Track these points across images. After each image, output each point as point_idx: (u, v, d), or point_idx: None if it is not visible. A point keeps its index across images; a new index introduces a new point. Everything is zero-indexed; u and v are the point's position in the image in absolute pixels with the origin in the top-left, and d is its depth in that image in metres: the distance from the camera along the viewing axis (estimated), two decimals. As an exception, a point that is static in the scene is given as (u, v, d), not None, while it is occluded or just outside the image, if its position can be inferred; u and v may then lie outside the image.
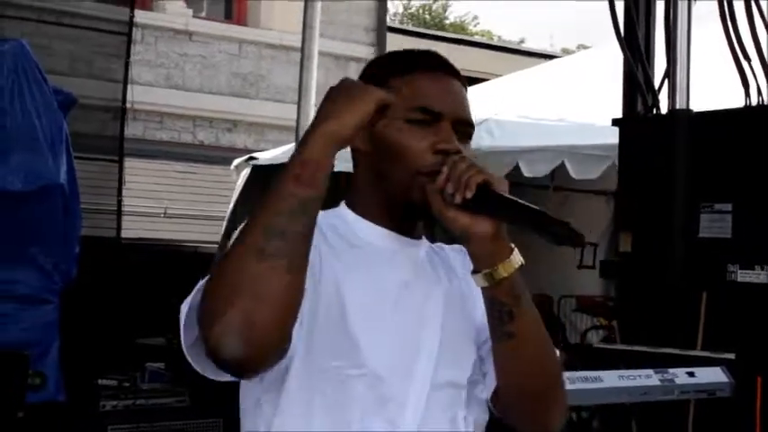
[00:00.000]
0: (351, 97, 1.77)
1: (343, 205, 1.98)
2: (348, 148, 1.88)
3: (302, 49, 7.05)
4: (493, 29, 41.07)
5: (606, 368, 5.05)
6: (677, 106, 6.42)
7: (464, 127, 1.97)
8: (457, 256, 2.01)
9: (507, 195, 1.80)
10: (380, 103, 1.79)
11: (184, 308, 1.77)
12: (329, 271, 1.80)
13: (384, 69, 1.99)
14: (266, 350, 1.64)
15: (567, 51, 24.98)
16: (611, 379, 4.86)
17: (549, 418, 1.98)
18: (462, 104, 1.99)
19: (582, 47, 29.11)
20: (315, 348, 1.77)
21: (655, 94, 6.63)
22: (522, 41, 34.47)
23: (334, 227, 1.91)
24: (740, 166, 6.14)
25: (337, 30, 14.79)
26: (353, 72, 15.42)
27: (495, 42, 28.68)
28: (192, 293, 1.74)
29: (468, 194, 1.75)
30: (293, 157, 1.73)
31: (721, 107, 6.37)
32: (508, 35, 38.96)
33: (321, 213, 1.78)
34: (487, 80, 13.72)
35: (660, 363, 5.34)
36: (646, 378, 4.95)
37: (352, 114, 1.74)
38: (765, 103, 6.14)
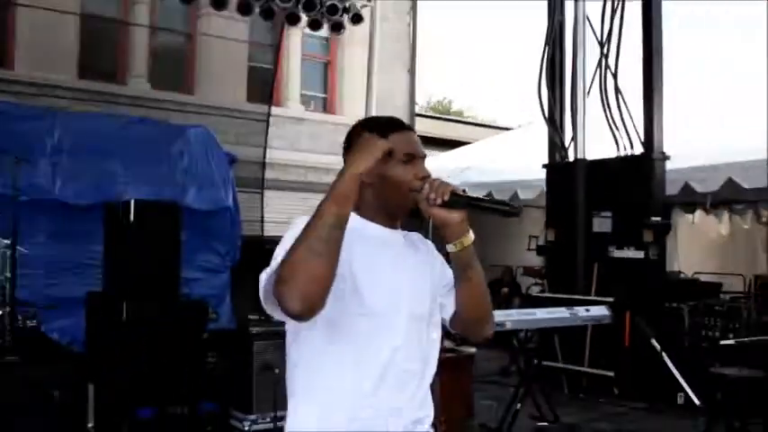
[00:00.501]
0: (367, 149, 1.71)
1: (353, 214, 1.75)
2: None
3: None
4: (477, 114, 40.68)
5: (539, 308, 5.05)
6: (579, 156, 6.43)
7: (424, 160, 1.89)
8: (419, 239, 1.94)
9: (467, 194, 1.79)
10: (386, 151, 1.75)
11: (263, 276, 1.64)
12: (346, 254, 1.71)
13: (383, 127, 1.84)
14: (312, 307, 1.59)
15: (520, 126, 24.78)
16: (542, 314, 4.86)
17: (485, 329, 1.96)
18: (421, 147, 1.91)
19: (530, 123, 28.79)
20: (335, 302, 1.66)
21: (566, 150, 6.64)
22: (494, 120, 34.17)
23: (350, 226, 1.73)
24: (616, 190, 6.14)
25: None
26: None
27: (478, 121, 28.49)
28: (268, 270, 1.62)
29: (445, 198, 1.75)
30: (332, 188, 1.65)
31: (604, 156, 6.37)
32: (485, 116, 38.57)
33: None
34: (470, 144, 13.62)
35: (569, 304, 5.32)
36: (561, 313, 4.95)
37: (367, 161, 1.69)
38: (628, 153, 6.14)
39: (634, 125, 6.16)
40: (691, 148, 7.31)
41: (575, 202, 6.34)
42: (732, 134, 7.72)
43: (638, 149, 6.10)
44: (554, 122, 6.72)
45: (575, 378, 6.14)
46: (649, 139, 6.07)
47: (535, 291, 8.51)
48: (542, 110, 6.80)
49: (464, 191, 1.80)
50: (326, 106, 15.37)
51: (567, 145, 6.67)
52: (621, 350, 5.50)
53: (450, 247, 1.79)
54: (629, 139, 6.19)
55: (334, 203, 1.61)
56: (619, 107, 6.23)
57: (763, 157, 6.55)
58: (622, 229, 6.01)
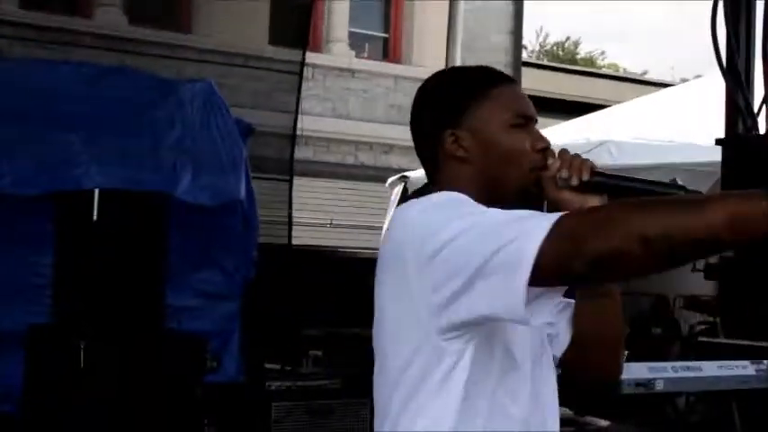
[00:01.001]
0: None
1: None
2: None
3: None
4: (619, 62, 40.27)
5: (708, 359, 4.97)
6: (774, 127, 6.29)
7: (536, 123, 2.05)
8: None
9: (614, 173, 1.95)
10: None
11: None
12: None
13: (479, 82, 2.02)
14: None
15: (685, 81, 24.45)
16: (711, 369, 4.78)
17: (617, 365, 2.00)
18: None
19: (698, 77, 28.45)
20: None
21: (754, 117, 6.48)
22: (644, 73, 33.80)
23: None
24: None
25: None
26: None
27: (620, 74, 28.24)
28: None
29: (585, 176, 1.90)
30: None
31: (814, 128, 6.21)
32: (633, 68, 38.18)
33: None
34: (606, 107, 13.56)
35: (757, 355, 5.22)
36: (742, 368, 4.86)
37: None
38: None
39: None
40: None
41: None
42: None
43: None
44: (736, 75, 6.56)
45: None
46: None
47: (702, 333, 8.37)
48: (717, 55, 6.64)
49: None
50: (387, 51, 15.44)
51: (757, 109, 6.52)
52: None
53: None
54: None
55: (727, 222, 1.65)
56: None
57: None
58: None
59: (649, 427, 6.47)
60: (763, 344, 5.74)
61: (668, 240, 1.64)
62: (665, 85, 19.84)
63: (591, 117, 12.75)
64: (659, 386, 4.59)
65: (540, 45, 39.76)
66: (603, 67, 36.55)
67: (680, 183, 1.89)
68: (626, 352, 2.20)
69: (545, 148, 1.98)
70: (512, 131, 1.98)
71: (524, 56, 21.93)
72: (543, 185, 1.95)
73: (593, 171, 1.91)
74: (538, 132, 2.00)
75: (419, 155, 2.16)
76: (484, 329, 1.85)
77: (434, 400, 1.88)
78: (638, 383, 4.45)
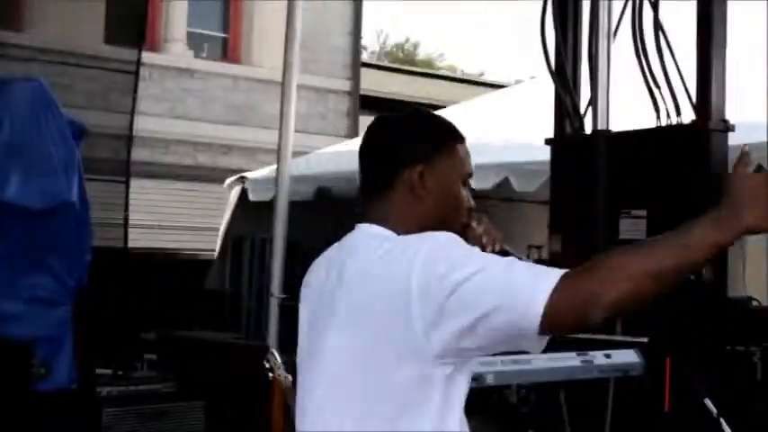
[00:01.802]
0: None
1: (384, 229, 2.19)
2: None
3: (283, 84, 7.05)
4: (457, 64, 40.95)
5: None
6: (599, 128, 6.48)
7: None
8: None
9: (511, 251, 2.38)
10: None
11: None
12: None
13: (452, 133, 2.29)
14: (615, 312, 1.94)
15: (519, 82, 25.03)
16: (540, 361, 4.89)
17: None
18: None
19: (532, 78, 29.16)
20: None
21: (581, 118, 6.68)
22: (482, 74, 34.48)
23: None
24: (653, 178, 6.20)
25: (319, 66, 14.83)
26: (332, 102, 15.38)
27: (458, 75, 28.71)
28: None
29: (497, 248, 2.33)
30: (717, 227, 1.94)
31: (637, 128, 6.43)
32: (470, 69, 38.86)
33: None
34: (443, 107, 13.74)
35: (584, 347, 5.35)
36: (569, 360, 4.98)
37: None
38: (673, 123, 6.21)
39: (683, 81, 6.23)
40: (761, 113, 7.42)
41: (592, 194, 6.38)
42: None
43: (688, 117, 6.17)
44: (564, 78, 6.76)
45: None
46: (705, 102, 6.13)
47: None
48: (547, 59, 6.83)
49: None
50: (226, 51, 15.32)
51: (582, 111, 6.72)
52: (659, 415, 5.56)
53: None
54: (675, 101, 6.25)
55: (709, 252, 1.94)
56: (660, 54, 6.28)
57: None
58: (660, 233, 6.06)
59: (480, 419, 6.60)
60: (589, 336, 5.93)
61: (669, 273, 1.94)
62: (502, 87, 20.29)
63: (428, 117, 12.94)
64: (490, 380, 4.68)
65: (379, 46, 40.17)
66: (442, 68, 37.10)
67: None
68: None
69: (471, 209, 2.30)
70: (462, 186, 2.24)
71: (364, 57, 22.06)
72: (468, 239, 2.19)
73: (502, 245, 2.37)
74: (469, 193, 2.29)
75: (371, 175, 2.28)
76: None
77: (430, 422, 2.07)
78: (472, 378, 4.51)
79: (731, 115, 6.06)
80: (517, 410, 5.23)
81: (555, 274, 1.92)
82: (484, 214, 2.31)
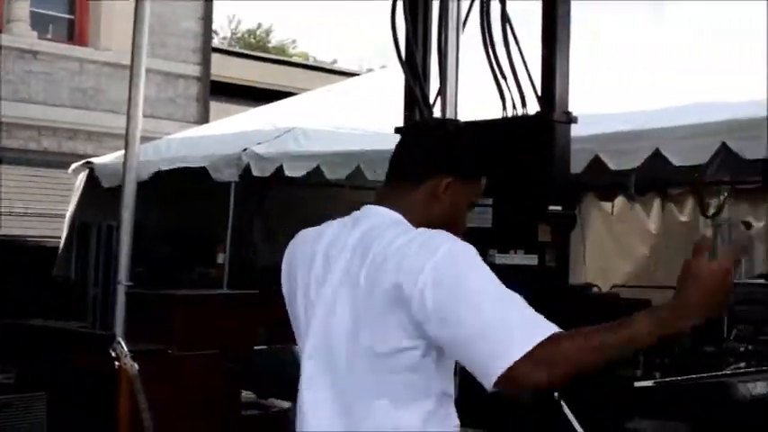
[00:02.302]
0: (723, 291, 2.26)
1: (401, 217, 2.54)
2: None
3: (131, 68, 6.92)
4: (309, 51, 40.88)
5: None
6: (448, 116, 6.58)
7: None
8: None
9: None
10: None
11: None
12: None
13: (480, 166, 2.84)
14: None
15: (370, 71, 25.14)
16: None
17: None
18: None
19: (383, 67, 29.34)
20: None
21: (429, 107, 6.76)
22: (334, 62, 34.48)
23: None
24: (499, 167, 6.32)
25: (168, 51, 14.61)
26: (181, 87, 15.16)
27: (310, 63, 28.66)
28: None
29: None
30: (667, 322, 2.27)
31: (484, 118, 6.54)
32: (322, 57, 38.84)
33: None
34: (296, 94, 13.74)
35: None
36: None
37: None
38: (519, 114, 6.34)
39: (529, 73, 6.36)
40: (604, 107, 7.68)
41: (441, 183, 6.48)
42: (663, 89, 8.22)
43: (533, 108, 6.31)
44: (413, 67, 6.82)
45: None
46: (550, 94, 6.28)
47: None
48: (397, 48, 6.88)
49: None
50: (73, 33, 14.93)
51: (432, 100, 6.80)
52: (496, 399, 5.68)
53: None
54: (521, 93, 6.37)
55: (652, 339, 2.22)
56: (507, 46, 6.40)
57: (704, 119, 6.99)
58: (508, 223, 6.19)
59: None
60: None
61: (611, 359, 2.22)
62: (353, 75, 20.35)
63: (280, 104, 12.88)
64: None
65: (231, 32, 39.73)
66: (295, 55, 36.96)
67: None
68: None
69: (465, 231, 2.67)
70: (468, 209, 2.74)
71: (215, 42, 21.84)
72: None
73: None
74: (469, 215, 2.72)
75: (409, 166, 2.66)
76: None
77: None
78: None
79: (573, 107, 6.23)
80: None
81: (519, 349, 2.18)
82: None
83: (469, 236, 6.58)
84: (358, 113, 10.19)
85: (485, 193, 6.47)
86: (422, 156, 2.66)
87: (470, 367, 2.25)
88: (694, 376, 4.53)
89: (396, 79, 8.01)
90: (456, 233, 2.53)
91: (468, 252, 2.41)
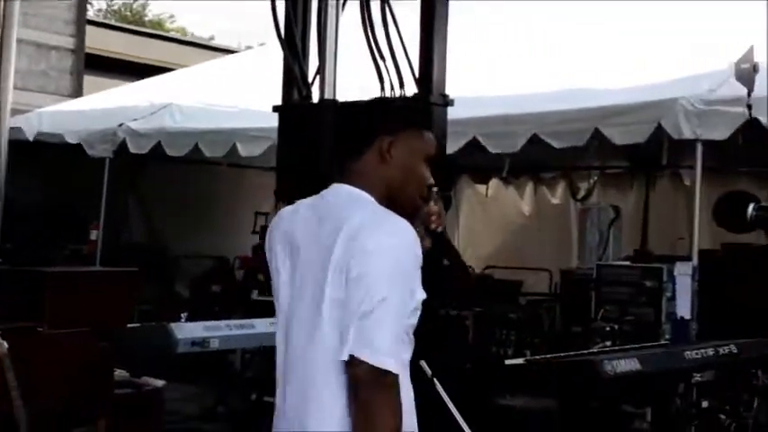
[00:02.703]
0: None
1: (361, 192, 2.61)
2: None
3: (1, 38, 6.73)
4: (187, 26, 40.34)
5: (263, 317, 5.11)
6: (326, 97, 6.59)
7: None
8: None
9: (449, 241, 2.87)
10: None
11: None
12: None
13: (423, 119, 3.09)
14: None
15: (249, 48, 24.95)
16: (263, 326, 4.95)
17: None
18: None
19: (262, 44, 29.12)
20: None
21: (308, 86, 6.76)
22: (211, 38, 34.09)
23: None
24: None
25: (40, 21, 14.25)
26: (54, 59, 14.74)
27: (187, 38, 28.30)
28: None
29: (439, 230, 2.89)
30: None
31: (363, 98, 6.58)
32: (200, 32, 38.36)
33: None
34: (173, 70, 13.56)
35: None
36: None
37: None
38: (397, 95, 6.40)
39: (407, 55, 6.41)
40: (482, 90, 7.80)
41: (318, 162, 6.48)
42: (539, 75, 8.39)
43: (411, 90, 6.37)
44: (292, 45, 6.81)
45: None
46: (427, 76, 6.34)
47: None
48: (276, 26, 6.86)
49: None
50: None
51: (311, 79, 6.80)
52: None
53: None
54: (399, 74, 6.42)
55: None
56: (386, 27, 6.44)
57: (567, 106, 7.18)
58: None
59: (206, 384, 6.63)
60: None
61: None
62: (231, 52, 20.19)
63: (156, 80, 12.71)
64: (215, 344, 4.71)
65: (107, 4, 38.92)
66: (172, 30, 36.43)
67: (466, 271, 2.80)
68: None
69: (431, 186, 2.73)
70: (423, 163, 2.69)
71: (90, 14, 21.39)
72: (418, 212, 2.74)
73: (444, 229, 2.87)
74: (429, 172, 2.72)
75: (348, 140, 2.77)
76: None
77: None
78: (194, 342, 4.53)
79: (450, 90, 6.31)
80: (242, 375, 5.29)
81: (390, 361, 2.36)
82: (440, 199, 2.80)
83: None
84: (235, 91, 10.13)
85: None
86: (357, 126, 2.77)
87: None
88: (562, 354, 4.66)
89: (275, 57, 7.99)
90: (417, 192, 2.69)
91: (405, 258, 2.47)
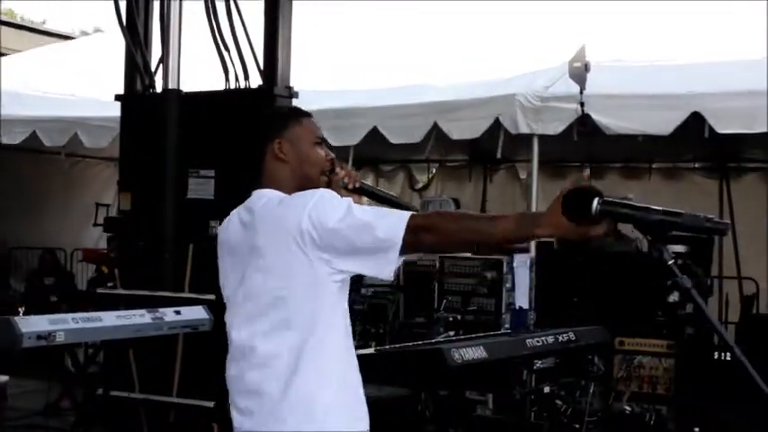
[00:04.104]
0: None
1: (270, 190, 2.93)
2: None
3: None
4: (16, 8, 39.02)
5: (107, 311, 5.03)
6: (169, 86, 6.52)
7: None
8: None
9: (372, 187, 3.17)
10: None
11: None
12: None
13: (296, 112, 3.12)
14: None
15: (85, 34, 24.33)
16: (110, 319, 4.86)
17: None
18: None
19: (98, 30, 28.42)
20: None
21: (151, 75, 6.67)
22: (44, 22, 33.07)
23: None
24: (222, 139, 6.35)
25: None
26: None
27: (17, 21, 27.37)
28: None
29: (357, 185, 3.03)
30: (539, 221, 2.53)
31: (208, 89, 6.54)
32: (31, 16, 37.17)
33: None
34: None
35: (153, 304, 5.38)
36: (140, 317, 4.97)
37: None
38: (241, 87, 6.39)
39: (252, 47, 6.40)
40: (325, 84, 7.85)
41: (162, 153, 6.41)
42: (381, 67, 8.49)
43: (256, 81, 6.37)
44: (135, 32, 6.71)
45: (159, 413, 6.26)
46: (271, 67, 6.35)
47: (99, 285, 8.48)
48: (118, 13, 6.75)
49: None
50: None
51: (154, 68, 6.72)
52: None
53: None
54: (244, 66, 6.42)
55: (509, 234, 2.60)
56: (230, 16, 6.42)
57: (407, 101, 7.31)
58: (230, 195, 6.23)
59: (49, 379, 6.48)
60: (158, 293, 6.00)
61: (472, 237, 2.68)
62: (66, 38, 19.66)
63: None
64: (60, 338, 4.59)
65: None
66: (4, 14, 35.19)
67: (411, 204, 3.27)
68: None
69: (333, 159, 3.02)
70: (314, 147, 3.00)
71: None
72: (331, 184, 2.96)
73: (361, 182, 3.06)
74: (327, 149, 3.04)
75: (252, 154, 3.06)
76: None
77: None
78: (40, 336, 4.41)
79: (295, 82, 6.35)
80: (85, 369, 5.19)
81: (404, 219, 2.62)
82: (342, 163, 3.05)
83: (191, 207, 6.57)
84: (73, 78, 9.89)
85: (207, 164, 6.51)
86: (249, 141, 3.14)
87: (373, 252, 2.65)
88: (410, 344, 4.75)
89: (114, 45, 7.85)
90: (318, 172, 2.98)
91: (329, 192, 2.78)
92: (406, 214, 2.65)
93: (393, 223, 2.62)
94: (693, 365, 7.14)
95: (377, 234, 2.61)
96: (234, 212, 3.03)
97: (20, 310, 7.52)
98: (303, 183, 2.93)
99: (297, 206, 2.72)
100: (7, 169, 11.17)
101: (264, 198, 2.90)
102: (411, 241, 2.59)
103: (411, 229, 2.60)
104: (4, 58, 12.80)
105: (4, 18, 28.42)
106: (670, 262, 2.07)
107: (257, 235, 2.79)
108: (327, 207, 2.69)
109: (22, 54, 13.00)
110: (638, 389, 7.04)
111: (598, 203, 2.29)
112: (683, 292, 2.05)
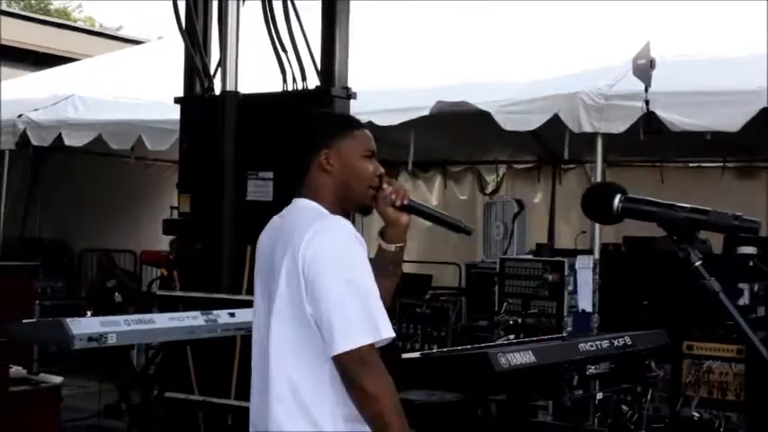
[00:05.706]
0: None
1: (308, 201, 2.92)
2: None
3: None
4: (95, 16, 39.71)
5: (165, 312, 5.06)
6: (228, 89, 6.57)
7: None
8: None
9: (423, 204, 3.04)
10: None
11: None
12: None
13: (348, 122, 3.09)
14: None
15: (159, 38, 24.68)
16: (163, 321, 4.90)
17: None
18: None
19: (161, 38, 28.82)
20: None
21: (210, 78, 6.73)
22: (119, 29, 33.62)
23: None
24: (280, 140, 6.36)
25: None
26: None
27: (94, 29, 27.86)
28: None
29: (405, 202, 2.92)
30: None
31: (265, 91, 6.58)
32: (108, 23, 37.82)
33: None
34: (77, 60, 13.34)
35: (209, 306, 5.41)
36: (193, 319, 5.01)
37: None
38: (299, 88, 6.41)
39: (309, 49, 6.42)
40: (381, 83, 7.84)
41: (220, 155, 6.46)
42: (440, 66, 8.46)
43: (314, 83, 6.38)
44: (194, 37, 6.77)
45: (217, 415, 6.29)
46: (329, 69, 6.36)
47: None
48: (177, 17, 6.82)
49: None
50: None
51: (213, 71, 6.77)
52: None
53: (389, 247, 3.03)
54: (301, 67, 6.44)
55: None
56: (288, 20, 6.44)
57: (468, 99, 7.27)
58: (286, 197, 6.24)
59: (105, 379, 6.55)
60: (215, 296, 6.04)
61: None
62: (140, 43, 19.94)
63: (59, 70, 12.50)
64: (112, 340, 4.63)
65: (10, -8, 38.14)
66: (80, 20, 35.83)
67: (463, 223, 3.04)
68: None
69: (381, 175, 2.93)
70: (363, 160, 2.91)
71: (-8, 2, 20.94)
72: (377, 200, 2.92)
73: (410, 199, 2.94)
74: (377, 163, 2.95)
75: (296, 164, 3.01)
76: None
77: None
78: (91, 338, 4.46)
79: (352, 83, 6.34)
80: (144, 370, 5.23)
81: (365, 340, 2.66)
82: (391, 179, 2.95)
83: (251, 209, 6.59)
84: (140, 82, 10.02)
85: (265, 167, 6.53)
86: (295, 150, 3.04)
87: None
88: (459, 348, 4.71)
89: (178, 49, 7.94)
90: (364, 187, 2.93)
91: (345, 249, 2.75)
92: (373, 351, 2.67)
93: (356, 336, 2.64)
94: (765, 371, 6.97)
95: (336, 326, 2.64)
96: (272, 220, 3.07)
97: (87, 312, 7.64)
98: (346, 195, 2.92)
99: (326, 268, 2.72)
100: (78, 173, 11.38)
101: (300, 213, 2.90)
102: (352, 366, 2.65)
103: (363, 360, 2.65)
104: (75, 63, 13.01)
105: (82, 25, 29.00)
106: (697, 263, 2.00)
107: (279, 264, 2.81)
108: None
109: (94, 59, 13.20)
110: (707, 395, 6.88)
111: (620, 201, 2.22)
112: (711, 295, 1.98)
